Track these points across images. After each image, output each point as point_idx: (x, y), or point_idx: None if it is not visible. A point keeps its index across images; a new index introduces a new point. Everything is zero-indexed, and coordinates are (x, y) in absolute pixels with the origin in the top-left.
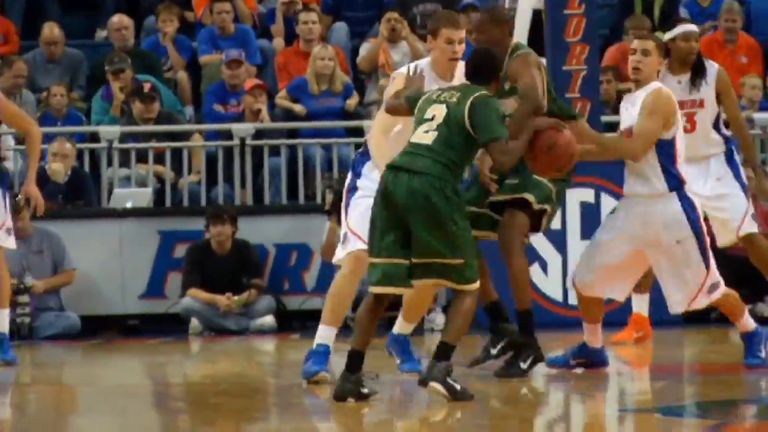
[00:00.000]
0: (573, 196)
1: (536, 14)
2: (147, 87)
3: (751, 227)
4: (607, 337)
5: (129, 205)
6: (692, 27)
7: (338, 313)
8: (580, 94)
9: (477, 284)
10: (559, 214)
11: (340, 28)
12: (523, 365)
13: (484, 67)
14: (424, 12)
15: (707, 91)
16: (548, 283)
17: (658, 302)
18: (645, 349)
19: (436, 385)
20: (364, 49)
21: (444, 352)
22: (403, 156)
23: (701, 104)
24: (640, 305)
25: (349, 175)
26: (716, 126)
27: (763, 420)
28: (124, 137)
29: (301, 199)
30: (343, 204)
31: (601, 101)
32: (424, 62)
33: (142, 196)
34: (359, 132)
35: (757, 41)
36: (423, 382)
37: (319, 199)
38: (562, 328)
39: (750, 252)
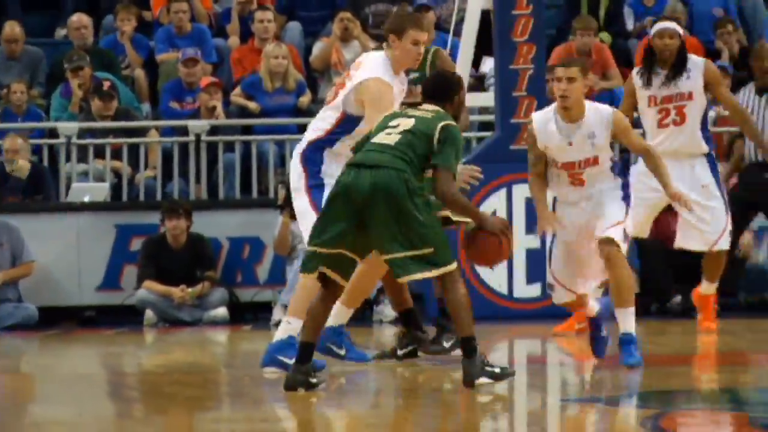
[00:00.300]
0: (518, 192)
1: (485, 14)
2: (107, 85)
3: (725, 245)
4: (548, 329)
5: (86, 199)
6: (666, 24)
7: (306, 305)
8: (526, 92)
9: (451, 267)
10: (504, 207)
11: (294, 27)
12: (446, 344)
13: (440, 88)
14: (376, 12)
15: (695, 83)
16: (493, 276)
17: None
18: (586, 340)
19: (481, 380)
20: (317, 47)
21: (468, 347)
22: (364, 154)
23: (690, 96)
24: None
25: (302, 172)
26: (703, 124)
27: (700, 409)
28: (82, 133)
29: (255, 194)
30: (308, 200)
31: (547, 99)
32: (378, 60)
33: (99, 191)
34: None
35: (699, 41)
36: (468, 384)
37: (272, 194)
38: (506, 320)
39: (712, 262)
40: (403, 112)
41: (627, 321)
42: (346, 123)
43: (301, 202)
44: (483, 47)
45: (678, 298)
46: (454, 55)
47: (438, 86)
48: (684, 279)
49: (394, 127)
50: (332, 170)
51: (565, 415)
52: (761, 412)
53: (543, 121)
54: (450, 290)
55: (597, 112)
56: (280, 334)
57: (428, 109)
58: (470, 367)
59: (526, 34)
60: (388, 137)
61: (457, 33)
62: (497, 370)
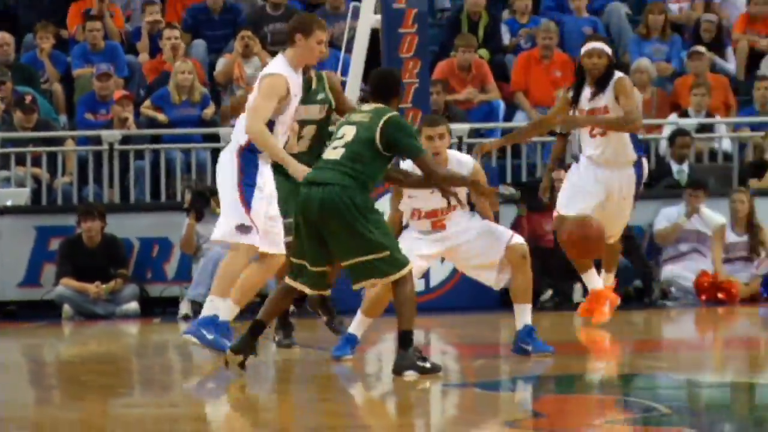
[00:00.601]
0: None
1: (374, 33)
2: (28, 99)
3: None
4: (431, 320)
5: (9, 203)
6: (594, 45)
7: (228, 287)
8: (412, 104)
9: (408, 267)
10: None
11: (199, 44)
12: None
13: (385, 86)
14: (274, 30)
15: (609, 97)
16: None
17: (475, 291)
18: (466, 331)
19: (409, 373)
20: (220, 63)
21: (405, 340)
22: (315, 171)
23: (606, 110)
24: (595, 281)
25: (237, 169)
26: (632, 135)
27: (571, 393)
28: (5, 143)
29: (163, 198)
30: (239, 195)
31: (432, 110)
32: (278, 59)
33: (20, 195)
34: (215, 138)
35: (570, 57)
36: (396, 372)
37: (179, 198)
38: (393, 313)
39: (606, 254)
40: (348, 120)
41: (527, 314)
42: (269, 125)
43: (231, 194)
44: (372, 63)
45: (549, 293)
46: (345, 70)
47: (382, 85)
48: (556, 276)
49: (341, 138)
50: (264, 171)
51: (446, 399)
52: (626, 395)
53: None
54: (400, 288)
55: (459, 164)
56: (205, 312)
57: (368, 110)
58: (402, 359)
59: (412, 51)
60: (335, 152)
61: (349, 50)
62: (428, 365)
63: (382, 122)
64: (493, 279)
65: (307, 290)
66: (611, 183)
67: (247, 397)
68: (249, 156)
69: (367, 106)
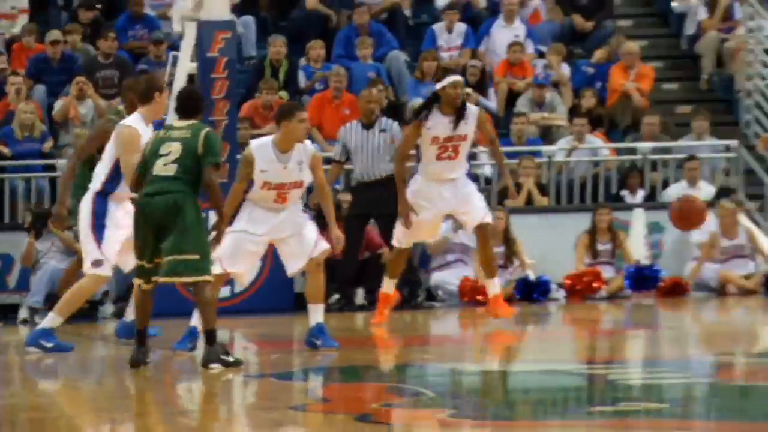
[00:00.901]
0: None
1: (191, 78)
2: None
3: (488, 218)
4: (235, 322)
5: None
6: (458, 78)
7: (72, 308)
8: (222, 138)
9: (209, 276)
10: None
11: (40, 88)
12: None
13: (191, 104)
14: (104, 76)
15: (469, 127)
16: None
17: (273, 295)
18: (265, 329)
19: (214, 366)
20: (58, 105)
21: (209, 337)
22: (154, 185)
23: (465, 138)
24: (389, 286)
25: (91, 214)
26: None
27: (348, 382)
28: None
29: (7, 220)
30: (92, 235)
31: (238, 144)
32: (133, 115)
33: None
34: (53, 168)
35: (356, 96)
36: (204, 365)
37: (20, 220)
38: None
39: (481, 240)
40: (167, 136)
41: (320, 313)
42: (117, 170)
43: (86, 235)
44: None
45: (336, 297)
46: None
47: (189, 104)
48: (342, 282)
49: (167, 155)
50: (115, 216)
51: (246, 388)
52: (399, 383)
53: (263, 149)
54: (200, 293)
55: (304, 147)
56: (44, 324)
57: (185, 127)
58: (208, 354)
59: (223, 93)
60: (167, 168)
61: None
62: (231, 359)
63: (203, 136)
64: (291, 269)
65: (144, 285)
66: (451, 193)
67: (77, 388)
68: (100, 201)
69: (180, 123)
